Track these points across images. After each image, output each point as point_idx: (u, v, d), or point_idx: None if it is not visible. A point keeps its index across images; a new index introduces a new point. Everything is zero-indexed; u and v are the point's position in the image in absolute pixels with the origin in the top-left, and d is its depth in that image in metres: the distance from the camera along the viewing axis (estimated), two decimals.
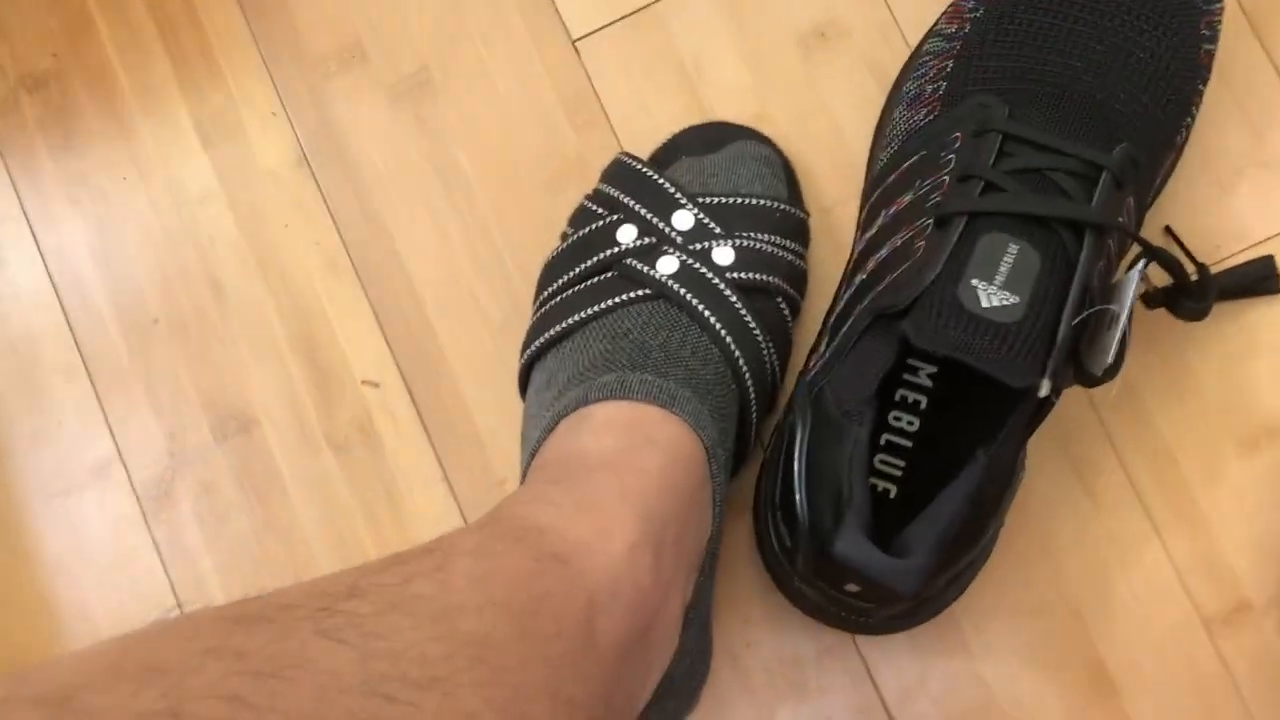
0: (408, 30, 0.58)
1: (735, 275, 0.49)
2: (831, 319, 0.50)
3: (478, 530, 0.39)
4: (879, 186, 0.50)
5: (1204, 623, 0.52)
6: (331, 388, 0.56)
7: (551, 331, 0.49)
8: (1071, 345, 0.43)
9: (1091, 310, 0.42)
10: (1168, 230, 0.52)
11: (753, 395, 0.49)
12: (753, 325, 0.48)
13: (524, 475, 0.46)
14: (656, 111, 0.56)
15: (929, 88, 0.50)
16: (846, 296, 0.48)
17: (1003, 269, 0.42)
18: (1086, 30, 0.48)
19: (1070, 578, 0.52)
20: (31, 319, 0.58)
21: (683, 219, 0.49)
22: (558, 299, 0.50)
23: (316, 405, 0.56)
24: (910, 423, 0.49)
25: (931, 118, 0.49)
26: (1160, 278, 0.49)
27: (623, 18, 0.57)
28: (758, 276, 0.49)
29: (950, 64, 0.50)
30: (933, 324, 0.41)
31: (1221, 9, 0.49)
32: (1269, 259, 0.52)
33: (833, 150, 0.55)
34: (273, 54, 0.58)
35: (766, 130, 0.55)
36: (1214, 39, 0.49)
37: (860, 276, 0.48)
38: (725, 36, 0.56)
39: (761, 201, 0.51)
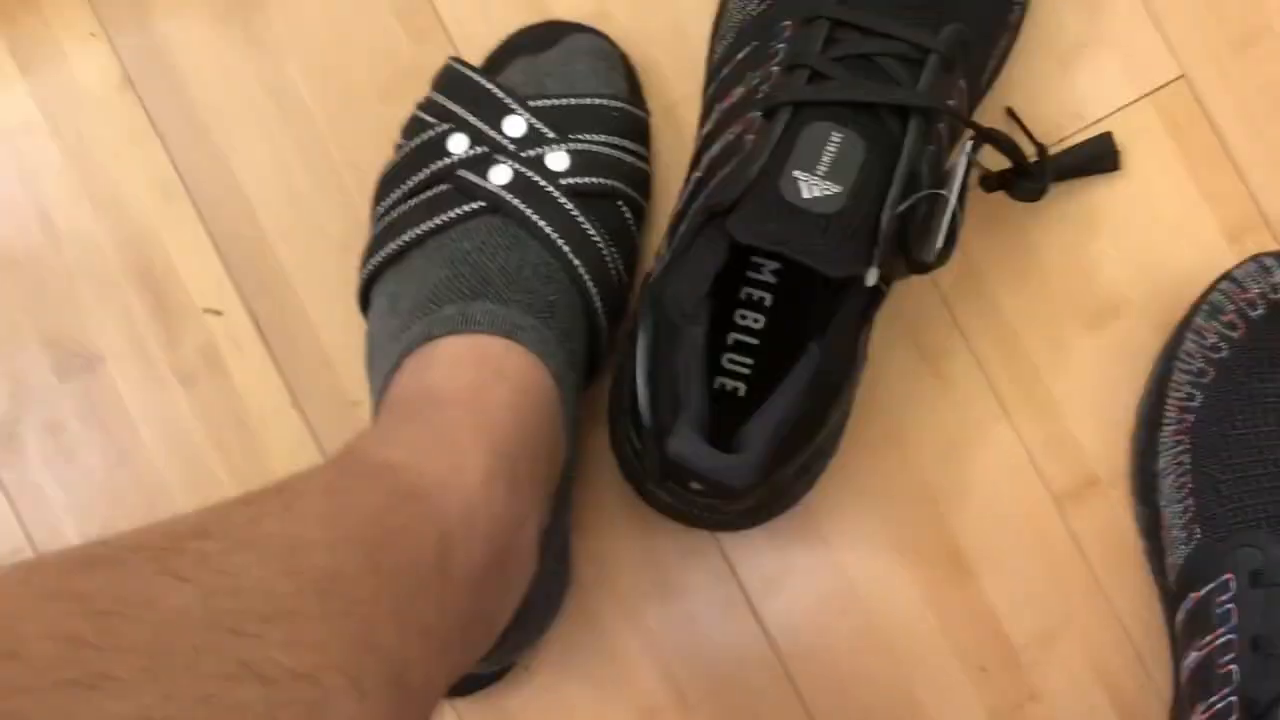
0: None
1: (571, 180, 0.48)
2: (673, 221, 0.49)
3: (329, 469, 0.39)
4: (715, 80, 0.49)
5: (1054, 500, 0.52)
6: (174, 318, 0.54)
7: (387, 249, 0.48)
8: (899, 233, 0.42)
9: (917, 196, 0.42)
10: (1009, 111, 0.52)
11: (599, 303, 0.48)
12: (591, 232, 0.48)
13: (374, 408, 0.46)
14: (494, 15, 0.54)
15: None
16: (685, 196, 0.48)
17: (825, 159, 0.41)
18: None
19: (922, 463, 0.53)
20: None
21: (514, 125, 0.48)
22: (392, 213, 0.49)
23: (159, 337, 0.54)
24: (756, 320, 0.48)
25: (764, 7, 0.48)
26: (999, 161, 0.49)
27: None
28: (595, 180, 0.48)
29: None
30: (755, 219, 0.41)
31: None
32: (1107, 136, 0.52)
33: (674, 46, 0.54)
34: None
35: (606, 28, 0.53)
36: None
37: (696, 174, 0.47)
38: None
39: (598, 101, 0.50)
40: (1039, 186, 0.49)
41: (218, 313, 0.54)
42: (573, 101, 0.49)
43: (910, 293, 0.52)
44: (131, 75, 0.55)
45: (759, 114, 0.44)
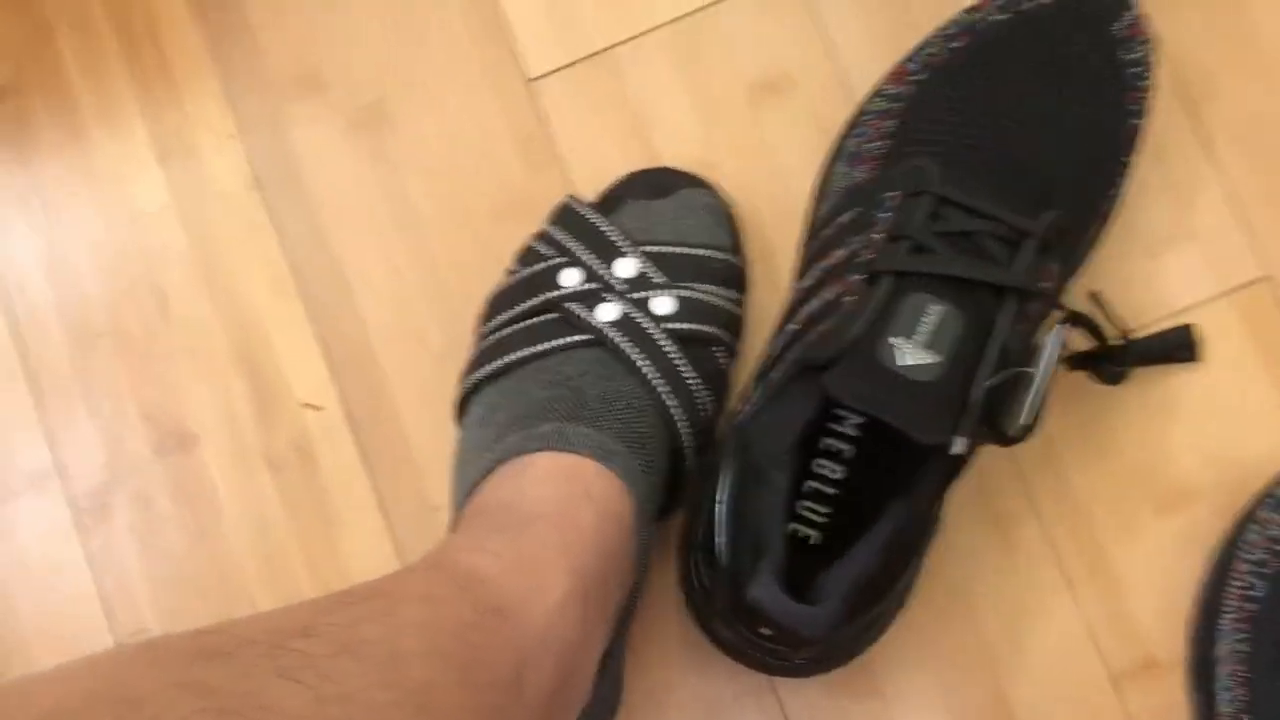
0: (367, 61, 0.58)
1: (674, 326, 0.50)
2: (763, 366, 0.51)
3: (423, 575, 0.41)
4: (816, 239, 0.51)
5: (1111, 679, 0.52)
6: (272, 408, 0.56)
7: (491, 366, 0.50)
8: (987, 405, 0.44)
9: (1009, 372, 0.43)
10: (1093, 296, 0.53)
11: (685, 443, 0.49)
12: (688, 375, 0.49)
13: (457, 511, 0.47)
14: (607, 154, 0.57)
15: (869, 146, 0.51)
16: (779, 346, 0.49)
17: (923, 328, 0.43)
18: (1022, 99, 0.49)
19: (984, 628, 0.53)
20: None
21: (626, 266, 0.50)
22: (498, 334, 0.51)
23: (256, 424, 0.56)
24: (834, 471, 0.49)
25: (870, 176, 0.50)
26: (1084, 342, 0.50)
27: (578, 60, 0.57)
28: (696, 327, 0.50)
29: (891, 124, 0.51)
30: (850, 378, 0.42)
31: (1149, 87, 0.50)
32: (1186, 328, 0.53)
33: (776, 199, 0.56)
34: (233, 77, 0.59)
35: (713, 178, 0.56)
36: (1140, 114, 0.50)
37: (792, 326, 0.49)
38: (677, 84, 0.57)
39: (704, 252, 0.52)
40: (1121, 370, 0.50)
41: (317, 408, 0.56)
42: (682, 250, 0.51)
43: (987, 460, 0.52)
44: (260, 176, 0.58)
45: (861, 278, 0.45)
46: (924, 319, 0.43)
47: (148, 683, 0.27)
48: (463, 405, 0.51)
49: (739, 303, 0.53)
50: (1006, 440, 0.44)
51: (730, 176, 0.56)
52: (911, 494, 0.43)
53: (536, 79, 0.58)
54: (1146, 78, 0.50)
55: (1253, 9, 0.55)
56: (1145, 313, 0.54)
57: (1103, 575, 0.53)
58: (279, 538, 0.56)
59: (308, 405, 0.56)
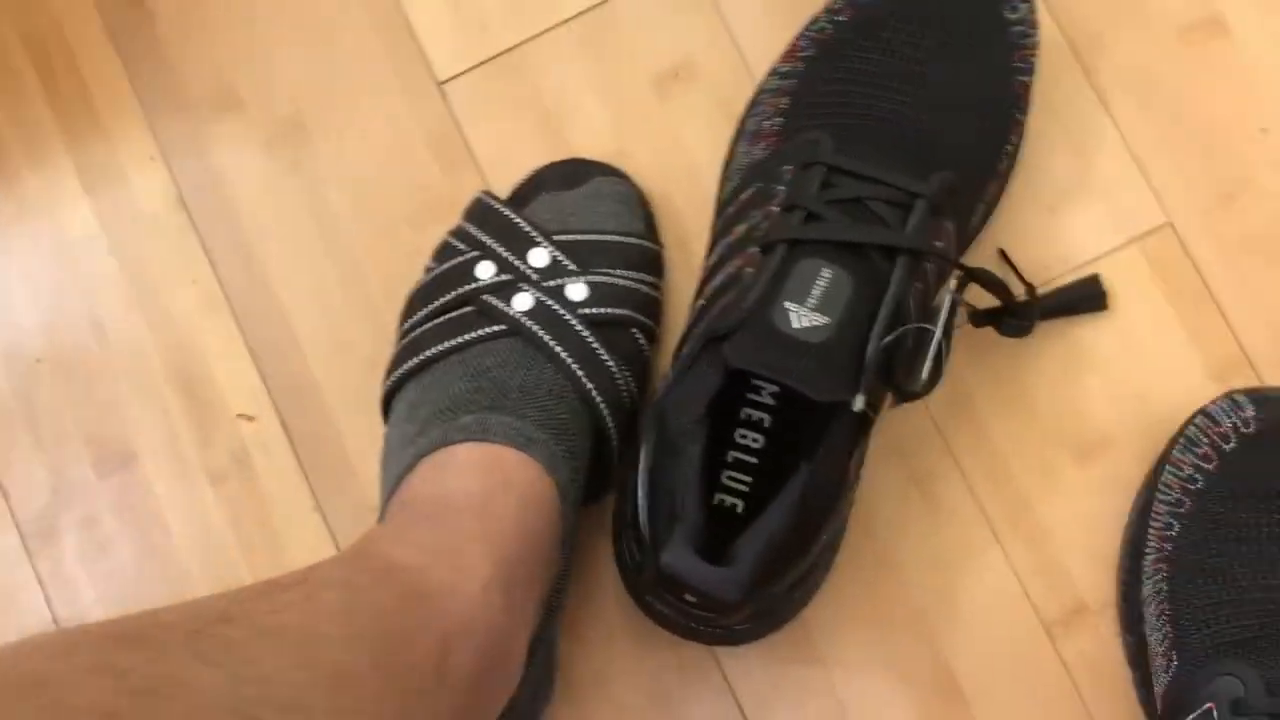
0: (280, 76, 0.59)
1: (589, 310, 0.50)
2: (678, 344, 0.52)
3: (345, 564, 0.41)
4: (721, 216, 0.52)
5: (1045, 627, 0.53)
6: (208, 422, 0.57)
7: (411, 362, 0.50)
8: (888, 363, 0.45)
9: (902, 329, 0.44)
10: (1001, 252, 0.55)
11: (610, 424, 0.50)
12: (605, 357, 0.50)
13: (383, 507, 0.48)
14: (522, 151, 0.57)
15: (766, 124, 0.52)
16: (689, 322, 0.50)
17: (815, 292, 0.44)
18: (909, 66, 0.50)
19: (915, 586, 0.54)
20: None
21: (539, 256, 0.51)
22: (418, 330, 0.51)
23: (194, 439, 0.57)
24: (755, 440, 0.50)
25: (768, 152, 0.51)
26: (992, 299, 0.51)
27: (487, 60, 0.58)
28: (611, 311, 0.51)
29: (785, 101, 0.52)
30: (748, 345, 0.43)
31: (1034, 44, 0.51)
32: (1095, 278, 0.54)
33: (689, 185, 0.57)
34: (151, 100, 0.59)
35: (625, 167, 0.57)
36: (1029, 71, 0.51)
37: (700, 302, 0.50)
38: (586, 78, 0.58)
39: (616, 238, 0.53)
40: (1025, 324, 0.51)
41: (250, 418, 0.57)
42: (594, 238, 0.52)
43: (904, 418, 0.53)
44: (185, 197, 0.59)
45: (758, 249, 0.47)
46: (816, 283, 0.44)
47: (58, 665, 0.28)
48: (387, 403, 0.52)
49: (655, 286, 0.54)
50: (910, 396, 0.45)
51: (643, 165, 0.57)
52: (818, 454, 0.44)
53: (447, 81, 0.59)
54: (1031, 35, 0.51)
55: None
56: (1053, 267, 0.55)
57: (1028, 526, 0.54)
58: (224, 547, 0.56)
59: (242, 416, 0.57)
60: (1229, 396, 0.50)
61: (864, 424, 0.45)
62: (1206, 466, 0.49)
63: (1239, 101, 0.56)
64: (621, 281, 0.52)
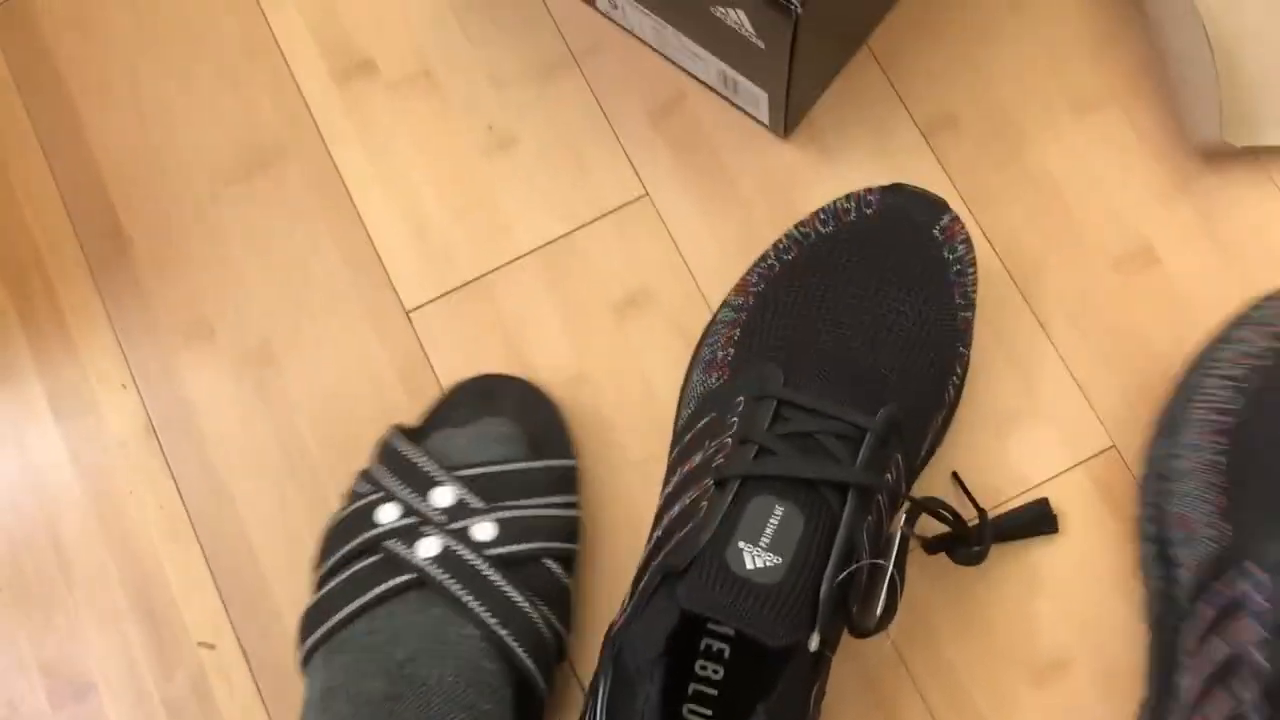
0: (252, 307, 0.60)
1: (498, 551, 0.49)
2: (636, 573, 0.51)
3: None
4: (678, 444, 0.53)
5: None
6: (168, 650, 0.56)
7: (321, 630, 0.49)
8: (841, 600, 0.45)
9: (855, 567, 0.44)
10: (954, 476, 0.55)
11: (533, 669, 0.49)
12: (518, 600, 0.49)
13: None
14: (485, 370, 0.59)
15: (720, 353, 0.53)
16: (646, 552, 0.50)
17: (768, 531, 0.44)
18: (853, 302, 0.51)
19: None
20: None
21: (442, 496, 0.50)
22: (328, 584, 0.50)
23: (153, 668, 0.56)
24: (715, 671, 0.50)
25: (721, 382, 0.52)
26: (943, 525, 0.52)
27: (453, 290, 0.60)
28: (521, 547, 0.50)
29: (738, 332, 0.53)
30: (702, 586, 0.43)
31: (974, 280, 0.53)
32: (1043, 501, 0.54)
33: (646, 407, 0.58)
34: (124, 329, 0.60)
35: (585, 390, 0.58)
36: (969, 306, 0.53)
37: (656, 533, 0.50)
38: (547, 305, 0.59)
39: (519, 465, 0.52)
40: (978, 551, 0.51)
41: (211, 646, 0.56)
42: (498, 469, 0.51)
43: (868, 642, 0.53)
44: (155, 423, 0.59)
45: (711, 483, 0.47)
46: (769, 521, 0.44)
47: None
48: (305, 661, 0.50)
49: (570, 505, 0.53)
50: (865, 632, 0.45)
51: (602, 387, 0.58)
52: (774, 696, 0.43)
53: (414, 309, 0.60)
54: (969, 272, 0.53)
55: (1065, 196, 0.59)
56: (1005, 489, 0.56)
57: None
58: None
59: (203, 644, 0.56)
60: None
61: (820, 662, 0.45)
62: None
63: (1173, 325, 0.57)
64: (530, 512, 0.51)
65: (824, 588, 0.43)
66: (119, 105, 0.63)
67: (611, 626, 0.51)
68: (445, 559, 0.49)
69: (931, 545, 0.52)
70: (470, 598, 0.48)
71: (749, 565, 0.43)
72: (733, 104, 0.60)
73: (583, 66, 0.62)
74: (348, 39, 0.63)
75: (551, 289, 0.60)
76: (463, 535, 0.49)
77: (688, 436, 0.51)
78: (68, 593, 0.57)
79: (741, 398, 0.49)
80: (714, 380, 0.52)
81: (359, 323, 0.60)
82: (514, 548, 0.50)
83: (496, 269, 0.60)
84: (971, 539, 0.51)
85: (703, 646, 0.50)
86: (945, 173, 0.60)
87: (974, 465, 0.56)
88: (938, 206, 0.53)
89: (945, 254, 0.52)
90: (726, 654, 0.50)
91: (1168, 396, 0.54)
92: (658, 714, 0.43)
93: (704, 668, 0.50)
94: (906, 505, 0.48)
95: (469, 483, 0.51)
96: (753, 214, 0.60)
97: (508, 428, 0.54)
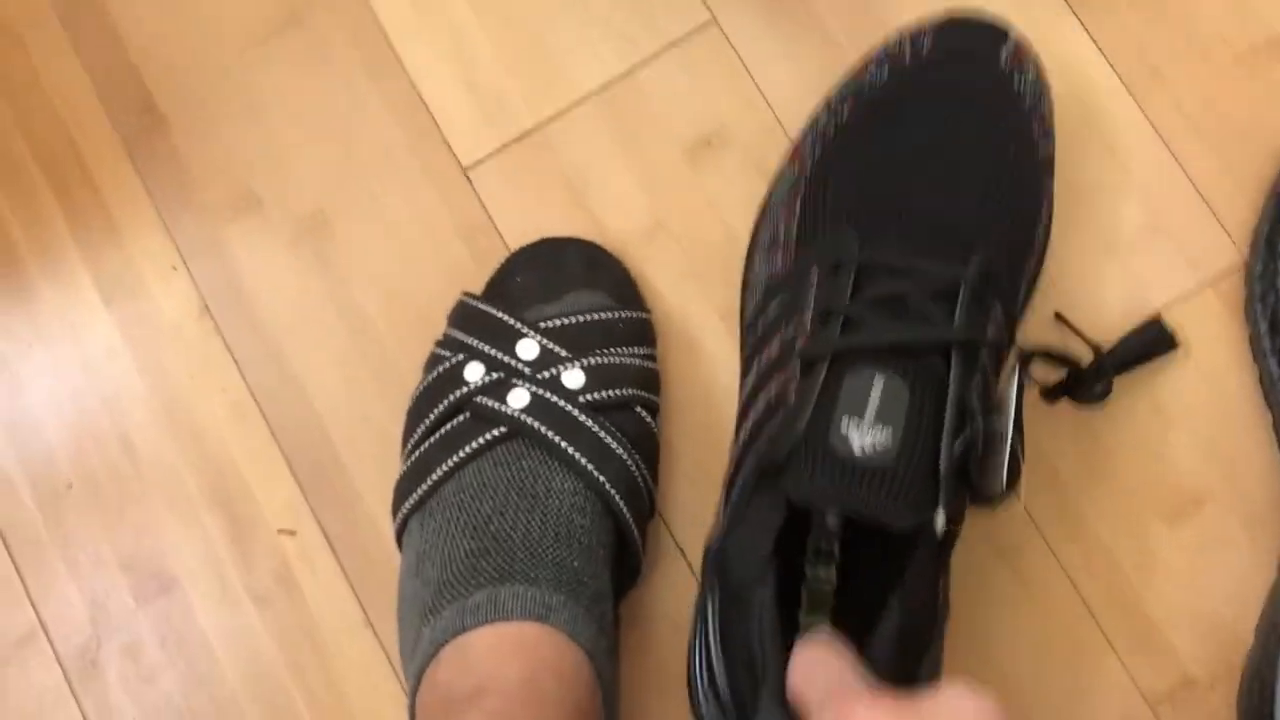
0: (299, 174, 0.56)
1: (589, 396, 0.47)
2: (726, 479, 0.46)
3: None
4: (750, 335, 0.48)
5: (1149, 704, 0.49)
6: (248, 540, 0.54)
7: (418, 493, 0.47)
8: (959, 469, 0.40)
9: (973, 430, 0.40)
10: (1058, 317, 0.50)
11: (628, 514, 0.47)
12: (613, 445, 0.47)
13: (411, 691, 0.44)
14: (553, 232, 0.54)
15: (782, 230, 0.48)
16: (735, 457, 0.45)
17: (871, 404, 0.40)
18: (923, 151, 0.46)
19: (1011, 674, 0.49)
20: None
21: (528, 348, 0.48)
22: (418, 451, 0.48)
23: (234, 559, 0.54)
24: (826, 572, 0.46)
25: (789, 260, 0.47)
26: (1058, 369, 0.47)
27: (511, 142, 0.55)
28: (612, 393, 0.48)
29: (799, 204, 0.48)
30: (810, 477, 0.39)
31: (1049, 107, 0.47)
32: (1156, 321, 0.50)
33: (726, 254, 0.53)
34: (168, 207, 0.56)
35: (661, 240, 0.53)
36: (1048, 135, 0.48)
37: (743, 435, 0.45)
38: (612, 152, 0.54)
39: (602, 314, 0.50)
40: (1100, 389, 0.47)
41: (291, 533, 0.54)
42: (580, 319, 0.49)
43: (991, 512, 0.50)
44: (209, 304, 0.56)
45: (797, 367, 0.42)
46: (870, 395, 0.40)
47: None
48: (400, 533, 0.49)
49: (651, 357, 0.51)
50: (992, 501, 0.41)
51: (679, 236, 0.54)
52: (906, 587, 0.39)
53: (472, 166, 0.55)
54: (1043, 99, 0.47)
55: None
56: (1117, 324, 0.51)
57: (1125, 599, 0.49)
58: (273, 670, 0.53)
59: (283, 531, 0.54)
60: None
61: (948, 540, 0.41)
62: None
63: None
64: (618, 360, 0.49)
65: (943, 458, 0.39)
66: None
67: (709, 541, 0.47)
68: (537, 406, 0.47)
69: (1050, 393, 0.47)
70: (564, 442, 0.46)
71: (857, 445, 0.39)
72: None
73: None
74: None
75: (616, 135, 0.55)
76: (553, 383, 0.47)
77: (759, 326, 0.47)
78: (139, 485, 0.55)
79: (815, 270, 0.44)
80: (780, 260, 0.47)
81: (414, 183, 0.55)
82: (605, 393, 0.48)
83: (555, 117, 0.55)
84: (1090, 377, 0.47)
85: (810, 549, 0.46)
86: None
87: (1078, 303, 0.51)
88: (998, 32, 0.47)
89: (1015, 83, 0.47)
90: (836, 553, 0.46)
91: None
92: (775, 625, 0.39)
93: (814, 569, 0.46)
94: (1014, 357, 0.43)
95: (552, 334, 0.48)
96: (831, 30, 0.54)
97: (602, 258, 0.51)
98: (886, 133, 0.46)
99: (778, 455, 0.40)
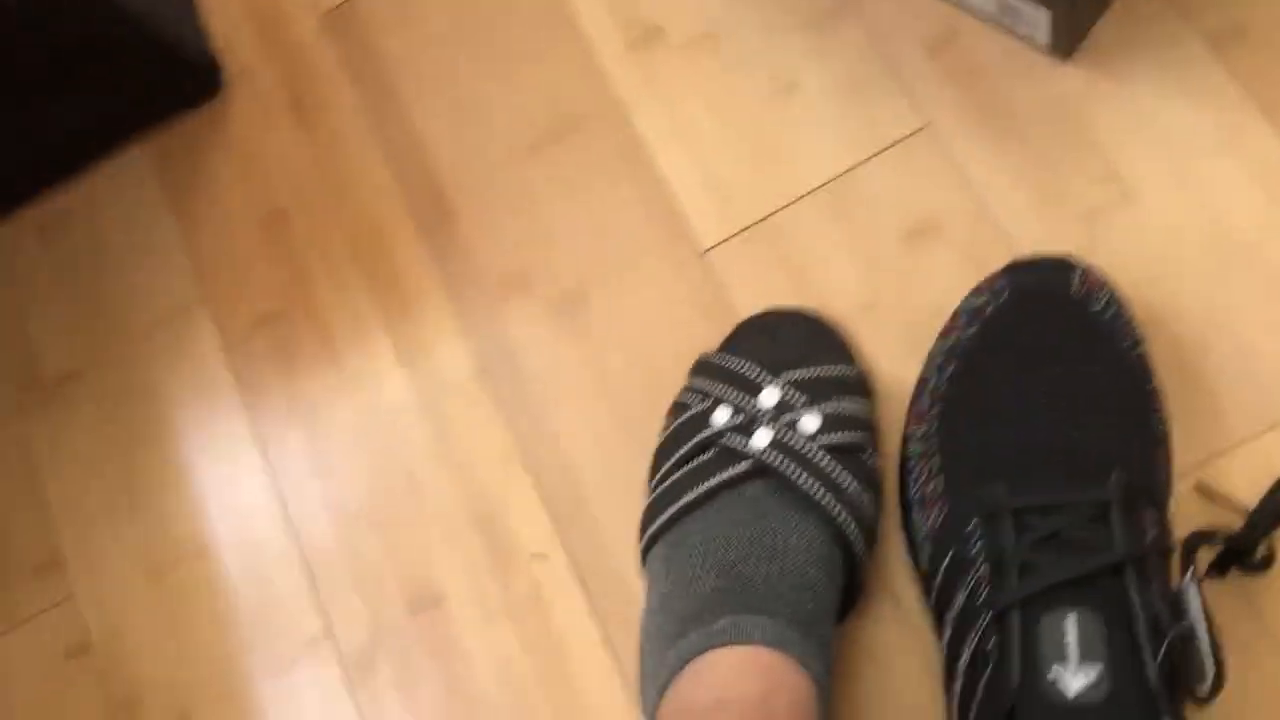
0: (563, 255, 0.65)
1: (824, 440, 0.52)
2: None
3: None
4: (931, 591, 0.51)
5: None
6: (506, 562, 0.62)
7: (664, 517, 0.53)
8: (1168, 680, 0.43)
9: (1169, 639, 0.42)
10: (1200, 488, 0.52)
11: (857, 547, 0.51)
12: (844, 483, 0.52)
13: (653, 710, 0.49)
14: (778, 304, 0.62)
15: (928, 489, 0.52)
16: (954, 710, 0.48)
17: (1070, 645, 0.43)
18: (1033, 389, 0.51)
19: None
20: (258, 520, 0.66)
21: (769, 396, 0.53)
22: (667, 481, 0.54)
23: (494, 578, 0.62)
24: None
25: (943, 514, 0.50)
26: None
27: (743, 230, 0.63)
28: (846, 436, 0.53)
29: (935, 461, 0.52)
30: None
31: (1129, 316, 0.52)
32: None
33: (932, 330, 0.59)
34: (454, 285, 0.67)
35: (873, 317, 0.60)
36: (1139, 341, 0.52)
37: (956, 687, 0.48)
38: (835, 239, 0.62)
39: (833, 369, 0.55)
40: (1268, 554, 0.48)
41: (544, 557, 0.61)
42: (814, 373, 0.54)
43: None
44: (484, 367, 0.65)
45: (989, 617, 0.45)
46: (1067, 635, 0.43)
47: None
48: (645, 555, 0.54)
49: (872, 409, 0.56)
50: (1206, 700, 0.43)
51: (891, 314, 0.60)
52: None
53: (708, 250, 0.64)
54: (1123, 313, 0.52)
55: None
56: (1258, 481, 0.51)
57: None
58: (523, 683, 0.60)
59: (536, 555, 0.61)
60: None
61: None
62: None
63: None
64: (850, 408, 0.54)
65: (1151, 674, 0.42)
66: (437, 90, 0.70)
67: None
68: (779, 446, 0.52)
69: (1218, 570, 0.49)
70: (804, 478, 0.51)
71: (1071, 689, 0.42)
72: (1010, 32, 0.61)
73: (858, 10, 0.64)
74: (636, 8, 0.68)
75: (837, 222, 0.62)
76: (793, 426, 0.52)
77: (937, 579, 0.50)
78: (418, 515, 0.64)
79: (974, 521, 0.48)
80: (935, 516, 0.51)
81: (658, 265, 0.64)
82: (840, 436, 0.52)
83: (783, 208, 0.63)
84: (1249, 545, 0.48)
85: None
86: (1239, 83, 0.59)
87: (1217, 468, 0.53)
88: (1064, 267, 0.52)
89: (1093, 308, 0.51)
90: None
91: None
92: None
93: None
94: (1179, 553, 0.46)
95: (791, 384, 0.54)
96: (1036, 138, 0.60)
97: (821, 324, 0.57)
98: (993, 381, 0.51)
99: (1000, 710, 0.43)
